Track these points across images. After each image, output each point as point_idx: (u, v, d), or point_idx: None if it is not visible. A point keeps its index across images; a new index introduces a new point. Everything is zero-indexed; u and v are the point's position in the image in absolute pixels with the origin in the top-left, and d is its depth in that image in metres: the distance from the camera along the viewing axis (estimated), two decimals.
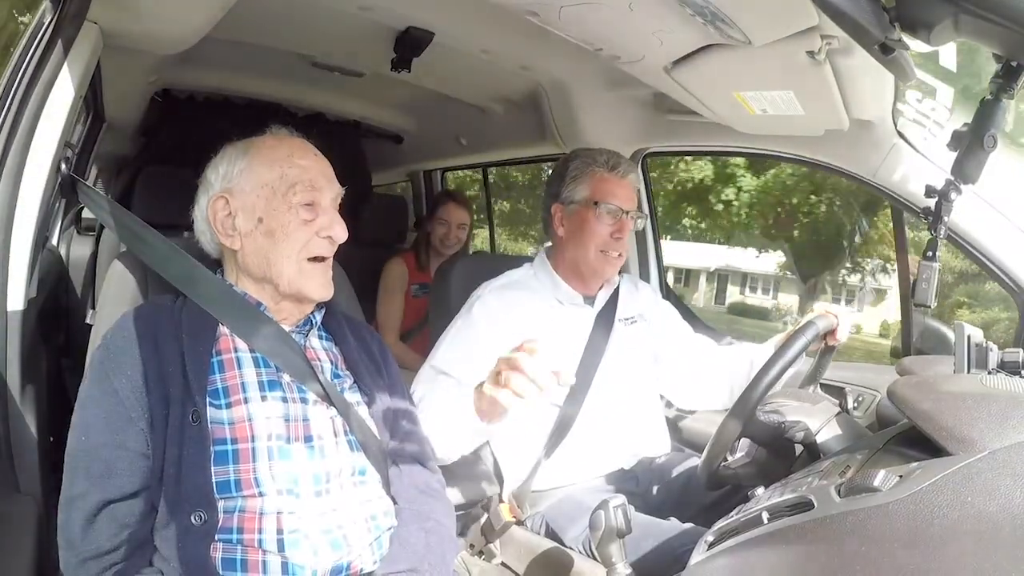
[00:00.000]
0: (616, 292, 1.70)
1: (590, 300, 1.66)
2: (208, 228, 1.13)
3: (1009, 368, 1.00)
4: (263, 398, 1.04)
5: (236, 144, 1.14)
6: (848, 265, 13.70)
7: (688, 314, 2.20)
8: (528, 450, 1.54)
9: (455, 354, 1.48)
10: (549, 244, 1.72)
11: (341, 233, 1.12)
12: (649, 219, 2.44)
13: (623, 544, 1.09)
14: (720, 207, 12.69)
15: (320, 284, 1.12)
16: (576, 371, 1.56)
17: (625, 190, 1.60)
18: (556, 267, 1.65)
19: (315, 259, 1.11)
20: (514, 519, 1.53)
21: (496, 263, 1.72)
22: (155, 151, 3.00)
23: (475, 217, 3.09)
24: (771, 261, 16.49)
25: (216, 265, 1.16)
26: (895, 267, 1.87)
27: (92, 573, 0.92)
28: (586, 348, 1.60)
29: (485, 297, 1.55)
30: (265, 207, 1.08)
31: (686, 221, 13.85)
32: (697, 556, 0.89)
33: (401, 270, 2.82)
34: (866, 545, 0.65)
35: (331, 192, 1.13)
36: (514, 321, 1.52)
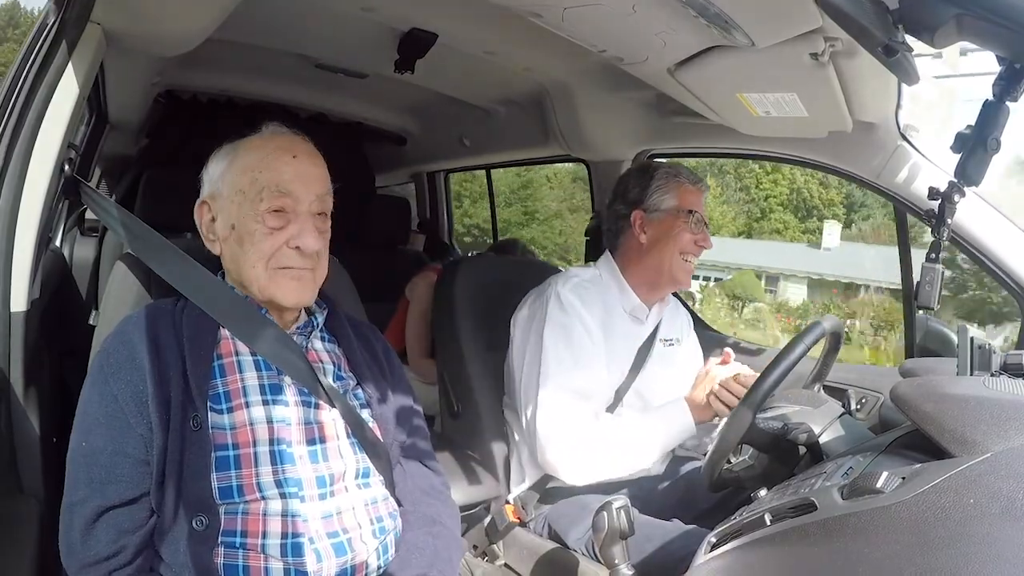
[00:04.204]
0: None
1: (644, 315, 1.67)
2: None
3: (1012, 370, 1.00)
4: (265, 402, 1.02)
5: (225, 146, 1.12)
6: None
7: (698, 321, 2.20)
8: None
9: (587, 374, 1.49)
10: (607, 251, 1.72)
11: (311, 243, 1.05)
12: None
13: (626, 546, 1.09)
14: None
15: (293, 290, 1.07)
16: (620, 384, 1.57)
17: (703, 204, 1.66)
18: (625, 273, 1.65)
19: (286, 268, 1.07)
20: (518, 520, 1.53)
21: (499, 266, 1.71)
22: (158, 152, 3.00)
23: (476, 221, 3.08)
24: None
25: (219, 268, 1.15)
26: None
27: None
28: (633, 362, 1.61)
29: (566, 296, 1.54)
30: (237, 213, 1.06)
31: None
32: (700, 558, 0.89)
33: (430, 286, 2.66)
34: (869, 547, 0.64)
35: (308, 198, 1.06)
36: (593, 319, 1.53)
